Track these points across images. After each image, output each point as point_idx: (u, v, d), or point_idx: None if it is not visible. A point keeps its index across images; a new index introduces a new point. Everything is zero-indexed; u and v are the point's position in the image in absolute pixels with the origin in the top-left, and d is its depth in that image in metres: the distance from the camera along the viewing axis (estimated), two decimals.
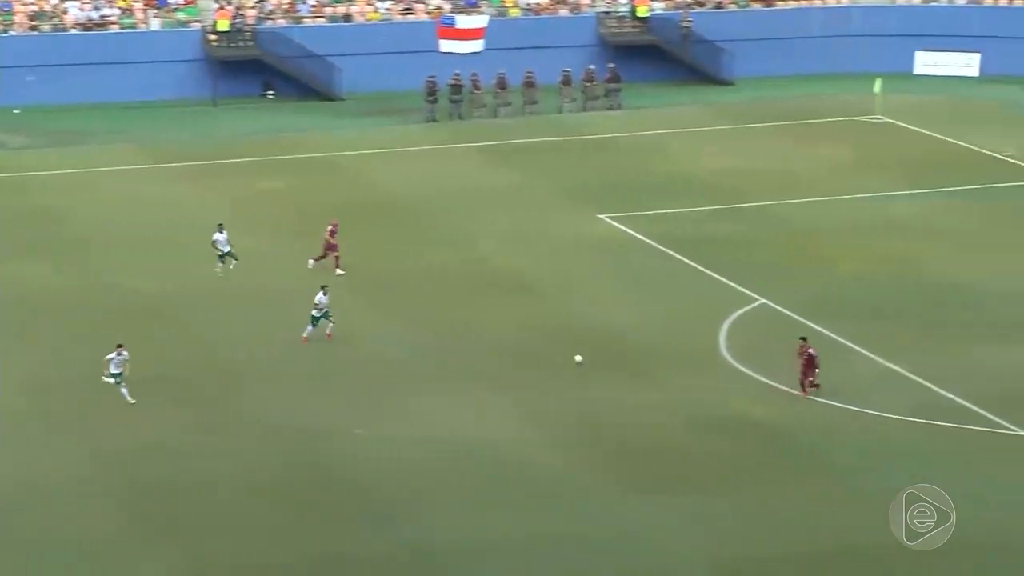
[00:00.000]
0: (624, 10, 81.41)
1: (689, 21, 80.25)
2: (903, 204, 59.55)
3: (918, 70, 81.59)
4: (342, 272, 50.79)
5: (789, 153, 67.07)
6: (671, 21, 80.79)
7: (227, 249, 50.88)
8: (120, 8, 78.07)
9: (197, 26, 77.94)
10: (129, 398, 41.08)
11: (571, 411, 41.32)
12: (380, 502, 36.56)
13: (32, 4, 77.10)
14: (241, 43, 77.38)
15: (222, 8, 77.55)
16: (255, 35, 77.51)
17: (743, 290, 49.83)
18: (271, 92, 77.84)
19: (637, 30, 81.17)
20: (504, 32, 78.34)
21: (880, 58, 79.30)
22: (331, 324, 45.41)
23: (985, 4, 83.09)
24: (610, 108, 75.55)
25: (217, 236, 50.95)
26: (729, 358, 44.72)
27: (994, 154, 66.32)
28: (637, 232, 55.98)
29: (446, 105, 73.72)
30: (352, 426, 40.30)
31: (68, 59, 74.63)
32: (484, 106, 74.55)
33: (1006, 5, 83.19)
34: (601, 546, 34.63)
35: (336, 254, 51.25)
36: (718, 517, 35.78)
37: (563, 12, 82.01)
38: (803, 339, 42.02)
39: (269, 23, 78.79)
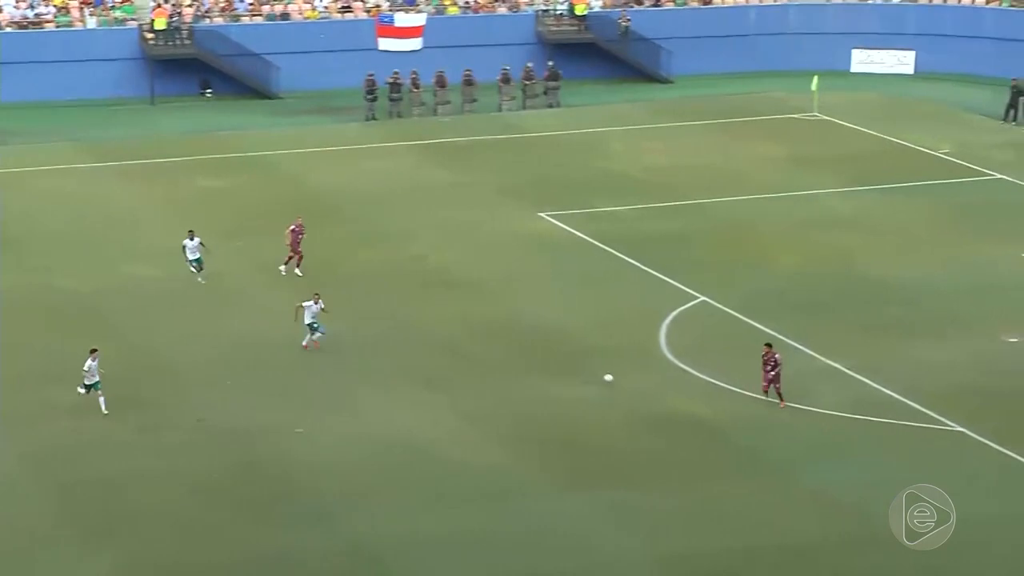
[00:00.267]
0: (563, 8, 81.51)
1: (627, 19, 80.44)
2: (841, 201, 59.86)
3: (854, 68, 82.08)
4: (288, 272, 50.56)
5: (727, 150, 67.30)
6: (609, 19, 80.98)
7: (194, 256, 49.99)
8: (56, 7, 77.52)
9: (134, 24, 77.50)
10: (104, 408, 40.23)
11: (510, 409, 41.31)
12: (318, 501, 36.44)
13: None
14: (178, 41, 77.02)
15: (159, 6, 77.13)
16: (192, 33, 77.14)
17: (683, 287, 49.95)
18: (209, 91, 77.49)
19: (576, 28, 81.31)
20: (443, 30, 78.34)
21: (817, 56, 79.72)
22: (319, 333, 44.63)
23: (920, 2, 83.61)
24: (549, 106, 75.62)
25: (187, 243, 50.25)
26: (669, 355, 44.81)
27: (930, 151, 66.77)
28: (577, 230, 56.03)
29: (385, 103, 73.58)
30: (290, 425, 40.15)
31: (3, 58, 73.91)
32: (423, 104, 74.46)
33: (940, 3, 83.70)
34: (539, 543, 34.63)
35: (292, 255, 50.86)
36: (657, 514, 35.86)
37: (502, 10, 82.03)
38: (768, 345, 41.64)
39: (207, 21, 78.46)
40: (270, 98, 76.49)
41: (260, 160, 65.71)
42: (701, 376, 43.11)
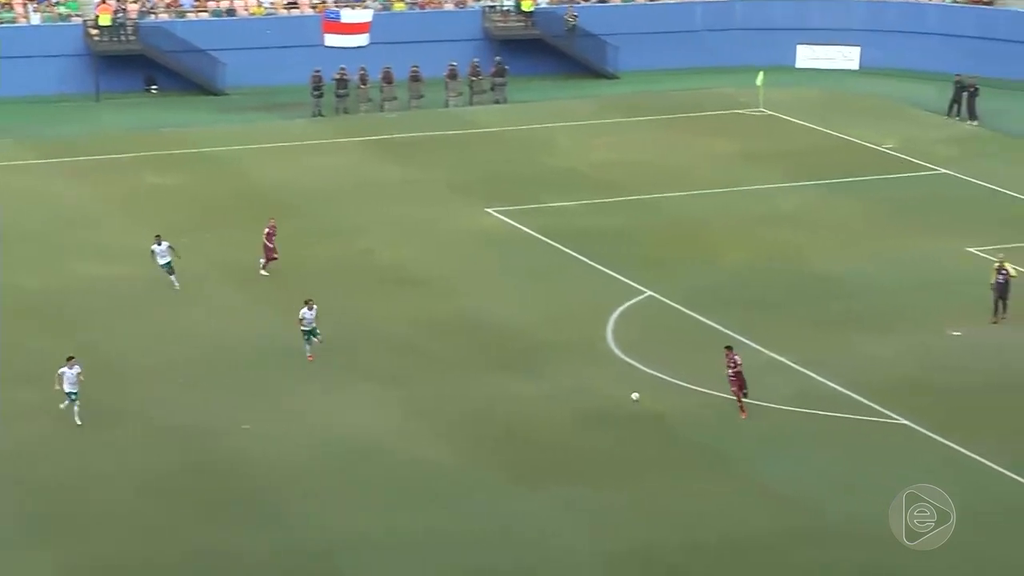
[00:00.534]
0: (509, 4, 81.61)
1: (574, 15, 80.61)
2: (786, 196, 60.18)
3: (800, 63, 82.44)
4: (265, 273, 50.49)
5: (673, 146, 67.55)
6: (556, 15, 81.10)
7: (164, 261, 49.23)
8: None
9: (78, 20, 77.12)
10: (77, 419, 39.58)
11: (459, 405, 41.41)
12: (269, 499, 36.43)
13: None
14: (123, 37, 76.67)
15: (104, 2, 76.75)
16: (137, 29, 76.79)
17: (629, 282, 50.16)
18: (154, 87, 77.17)
19: (522, 24, 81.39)
20: (389, 26, 78.33)
21: (762, 51, 79.99)
22: (316, 341, 43.84)
23: None
24: (496, 102, 75.68)
25: (155, 247, 49.69)
26: (616, 350, 45.01)
27: (875, 146, 67.21)
28: (524, 225, 56.16)
29: (332, 100, 73.47)
30: (239, 423, 40.14)
31: None
32: (370, 100, 74.39)
33: (885, 0, 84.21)
34: (489, 540, 34.75)
35: (266, 255, 50.66)
36: (606, 509, 36.02)
37: (448, 6, 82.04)
38: (728, 348, 41.30)
39: (152, 17, 78.14)
40: (216, 94, 76.26)
41: (207, 156, 65.53)
42: (648, 371, 43.33)
